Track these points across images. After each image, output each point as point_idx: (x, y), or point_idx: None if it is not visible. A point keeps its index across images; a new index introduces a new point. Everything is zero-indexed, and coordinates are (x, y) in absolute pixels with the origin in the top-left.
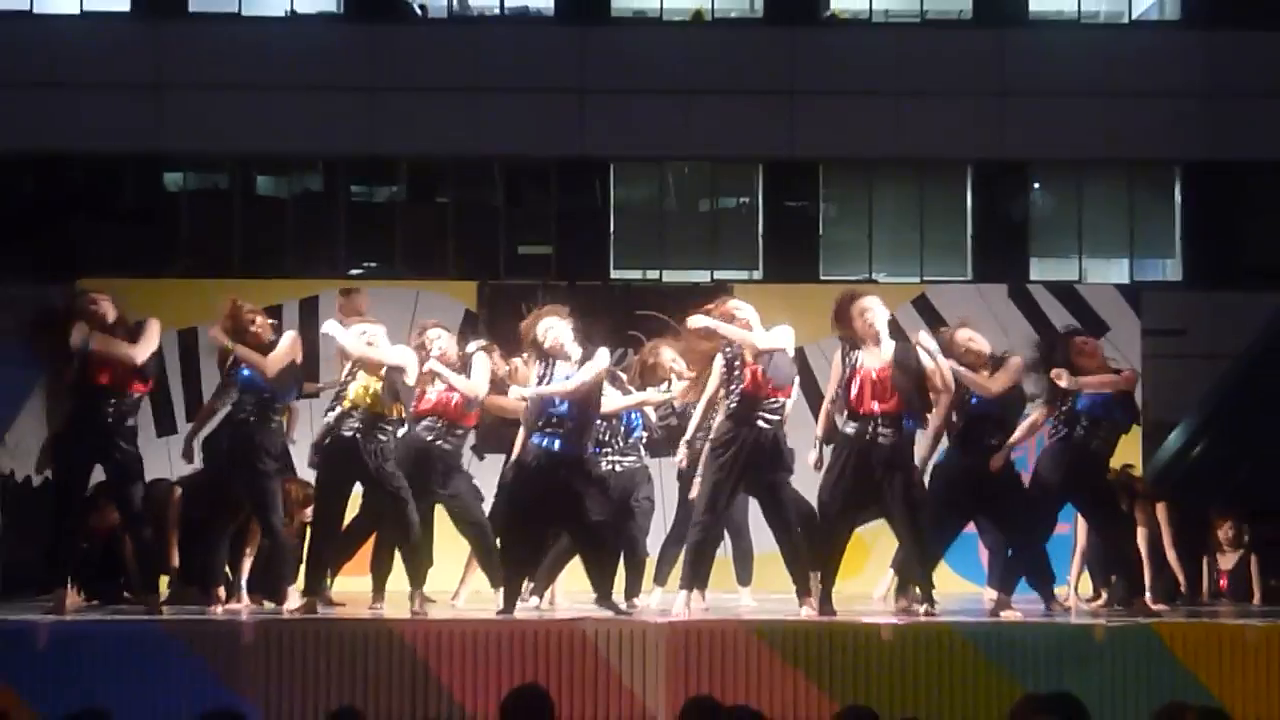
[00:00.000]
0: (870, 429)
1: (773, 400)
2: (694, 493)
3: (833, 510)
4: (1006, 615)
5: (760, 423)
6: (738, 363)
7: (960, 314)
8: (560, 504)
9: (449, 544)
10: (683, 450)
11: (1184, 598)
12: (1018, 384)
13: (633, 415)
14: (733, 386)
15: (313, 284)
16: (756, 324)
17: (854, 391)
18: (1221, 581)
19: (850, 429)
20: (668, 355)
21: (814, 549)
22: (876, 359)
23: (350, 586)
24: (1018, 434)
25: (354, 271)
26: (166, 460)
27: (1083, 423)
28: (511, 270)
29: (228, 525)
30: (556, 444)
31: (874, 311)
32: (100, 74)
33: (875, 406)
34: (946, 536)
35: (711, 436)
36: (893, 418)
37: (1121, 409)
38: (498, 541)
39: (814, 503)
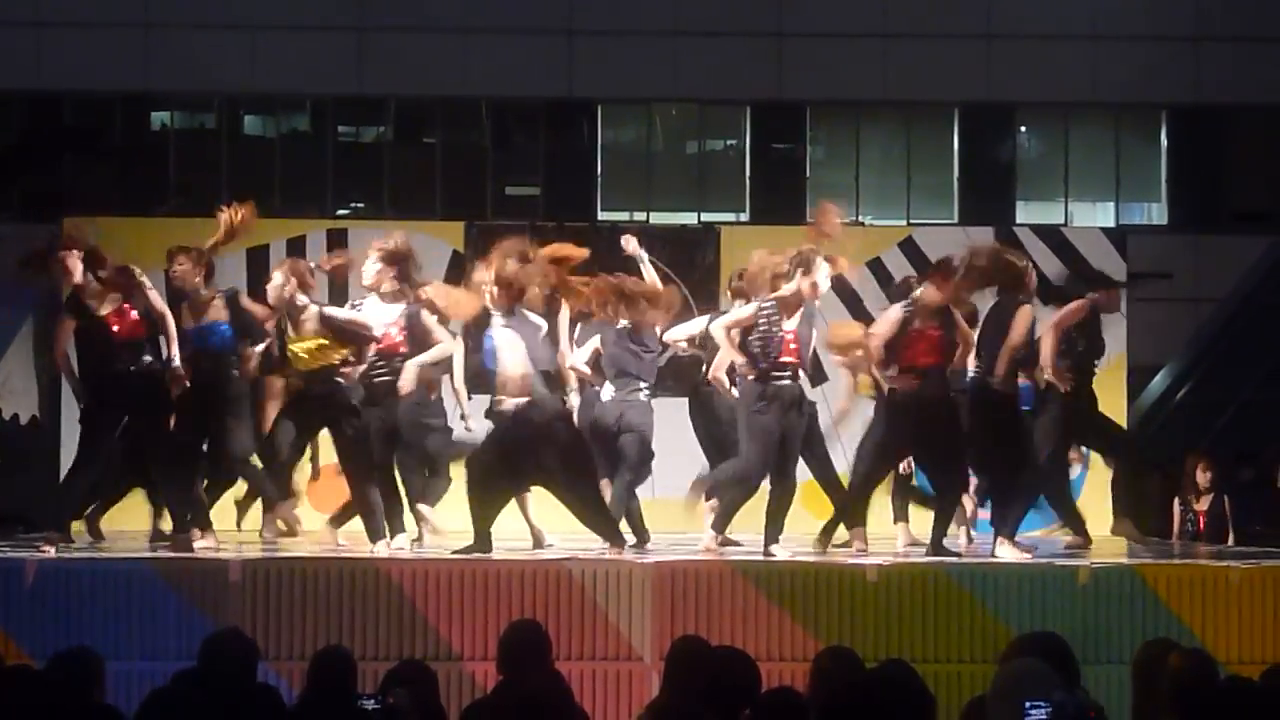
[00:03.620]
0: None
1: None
2: None
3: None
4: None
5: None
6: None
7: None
8: None
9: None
10: None
11: (1158, 540)
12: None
13: None
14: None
15: (300, 224)
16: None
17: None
18: (1199, 523)
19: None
20: None
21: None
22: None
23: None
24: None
25: (341, 212)
26: None
27: None
28: (499, 211)
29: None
30: None
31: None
32: (88, 12)
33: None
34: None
35: None
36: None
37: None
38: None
39: None
